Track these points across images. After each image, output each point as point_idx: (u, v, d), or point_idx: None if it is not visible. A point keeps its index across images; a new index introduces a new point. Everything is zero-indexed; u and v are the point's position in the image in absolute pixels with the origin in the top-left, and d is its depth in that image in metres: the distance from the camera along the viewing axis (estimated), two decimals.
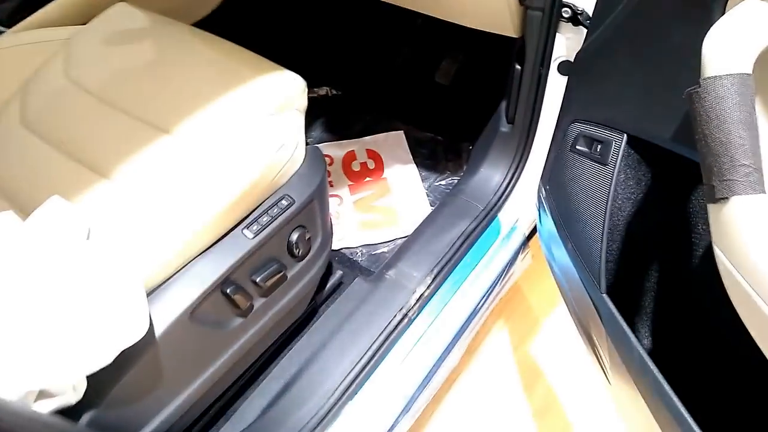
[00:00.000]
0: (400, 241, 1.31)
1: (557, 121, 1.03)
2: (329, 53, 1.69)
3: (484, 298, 1.23)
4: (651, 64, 0.76)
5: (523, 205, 1.30)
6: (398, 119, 1.58)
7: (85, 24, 1.06)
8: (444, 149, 1.51)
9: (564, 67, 1.10)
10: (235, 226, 0.83)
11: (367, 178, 1.45)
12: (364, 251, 1.30)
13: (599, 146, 0.89)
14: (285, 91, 0.94)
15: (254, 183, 0.82)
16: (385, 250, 1.30)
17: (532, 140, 1.22)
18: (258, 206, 0.86)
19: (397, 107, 1.60)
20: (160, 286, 0.75)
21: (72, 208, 0.74)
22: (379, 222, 1.35)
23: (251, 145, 0.85)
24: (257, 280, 0.84)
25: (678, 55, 0.72)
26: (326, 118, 1.62)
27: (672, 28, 0.71)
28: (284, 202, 0.88)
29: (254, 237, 0.82)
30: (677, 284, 0.87)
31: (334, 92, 1.68)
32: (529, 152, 1.23)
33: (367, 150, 1.52)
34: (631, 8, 0.75)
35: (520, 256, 1.33)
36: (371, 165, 1.48)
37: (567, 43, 1.08)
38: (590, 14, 1.02)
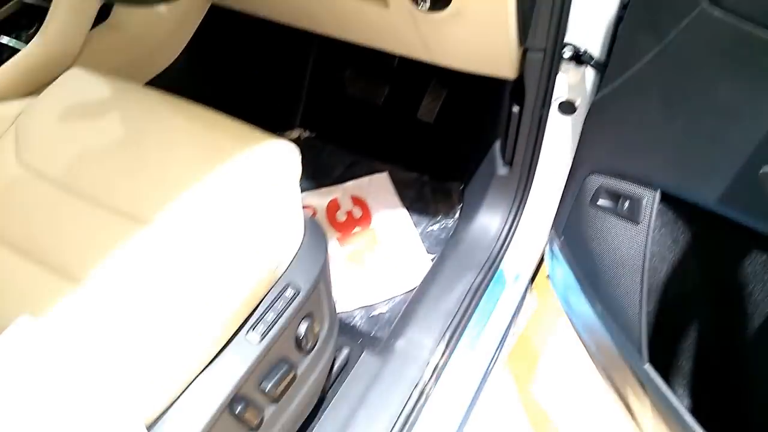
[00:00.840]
0: (399, 298, 1.22)
1: (571, 170, 0.96)
2: (298, 93, 1.59)
3: (497, 353, 1.16)
4: (689, 117, 0.70)
5: (525, 250, 1.23)
6: (380, 159, 1.49)
7: (34, 95, 0.93)
8: (432, 190, 1.43)
9: (566, 107, 1.04)
10: (238, 329, 0.72)
11: (356, 229, 1.36)
12: (362, 313, 1.20)
13: (627, 202, 0.82)
14: (278, 165, 0.83)
15: (257, 280, 0.72)
16: (385, 309, 1.21)
17: (532, 183, 1.15)
18: (260, 301, 0.75)
19: (378, 146, 1.51)
20: (159, 418, 0.64)
21: (45, 330, 0.62)
22: (375, 277, 1.26)
23: (247, 234, 0.74)
24: (267, 389, 0.73)
25: (724, 111, 0.66)
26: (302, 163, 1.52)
27: (717, 81, 0.65)
28: (289, 292, 0.78)
29: (261, 340, 0.72)
30: (721, 346, 0.82)
31: (308, 134, 1.58)
32: (528, 195, 1.17)
33: (351, 197, 1.42)
34: (666, 57, 0.69)
35: (526, 303, 1.26)
36: (358, 213, 1.39)
37: (568, 83, 1.01)
38: (593, 54, 0.96)
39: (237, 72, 1.51)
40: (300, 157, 0.87)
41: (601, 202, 0.86)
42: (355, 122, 1.56)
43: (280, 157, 0.85)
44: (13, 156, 0.84)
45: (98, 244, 0.73)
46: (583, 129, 0.88)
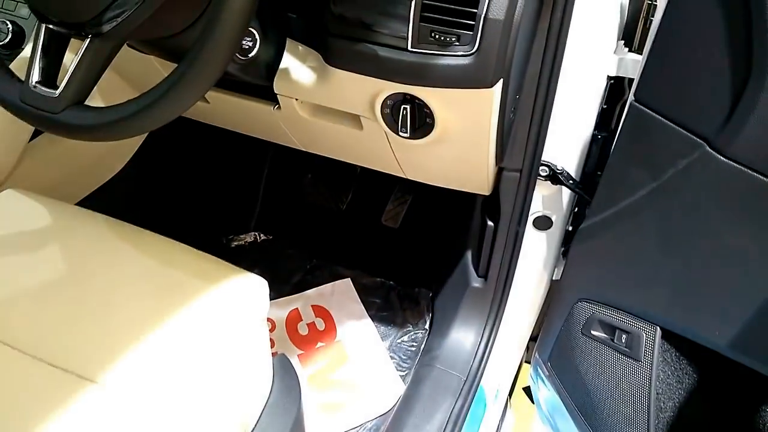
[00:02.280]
0: (370, 425, 1.12)
1: (558, 294, 0.91)
2: (254, 195, 1.52)
3: None
4: (690, 256, 0.67)
5: (502, 363, 1.17)
6: (341, 264, 1.42)
7: None
8: (399, 296, 1.36)
9: (542, 223, 1.02)
10: None
11: (319, 344, 1.26)
12: None
13: (624, 336, 0.77)
14: (245, 302, 0.75)
15: None
16: None
17: (507, 297, 1.10)
18: None
19: (340, 250, 1.44)
20: None
21: None
22: (343, 401, 1.16)
23: (212, 388, 0.64)
24: None
25: (730, 254, 0.63)
26: (258, 269, 1.42)
27: (722, 224, 0.62)
28: None
29: None
30: None
31: (264, 237, 1.50)
32: (504, 309, 1.12)
33: (312, 306, 1.33)
34: (663, 195, 0.67)
35: (506, 420, 1.18)
36: (321, 325, 1.30)
37: (544, 200, 0.99)
38: (570, 173, 0.95)
39: (187, 172, 1.42)
40: (268, 291, 0.79)
41: (594, 333, 0.81)
42: (315, 226, 1.49)
43: (247, 294, 0.76)
44: None
45: (38, 408, 0.61)
46: (570, 255, 0.84)
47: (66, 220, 0.82)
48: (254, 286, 0.76)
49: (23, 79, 0.64)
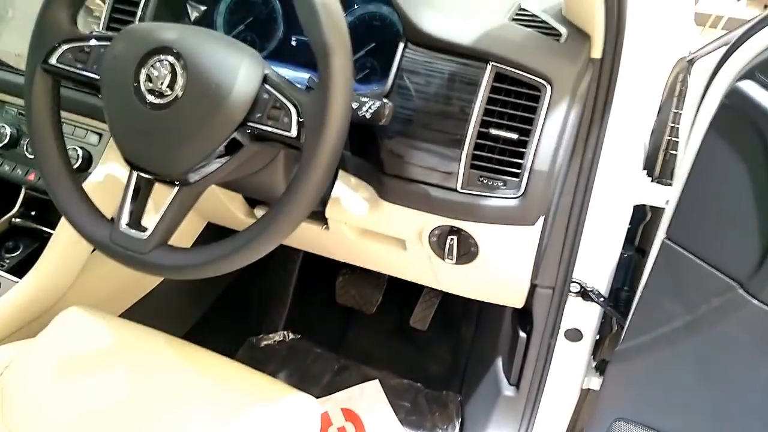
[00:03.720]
0: None
1: (596, 412, 0.94)
2: (283, 295, 1.56)
3: None
4: (730, 389, 0.71)
5: None
6: (369, 364, 1.44)
7: (22, 334, 0.86)
8: (427, 399, 1.37)
9: (573, 335, 1.05)
10: None
11: None
12: None
13: None
14: (298, 422, 0.78)
15: None
16: None
17: (539, 406, 1.12)
18: None
19: (368, 351, 1.47)
20: None
21: None
22: None
23: None
24: None
25: None
26: (287, 370, 1.45)
27: (760, 362, 0.66)
28: None
29: None
30: None
31: (292, 337, 1.53)
32: (536, 419, 1.13)
33: (342, 410, 1.34)
34: (698, 329, 0.71)
35: None
36: (351, 430, 1.30)
37: (574, 313, 1.04)
38: (602, 292, 0.99)
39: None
40: (319, 411, 0.82)
41: None
42: (344, 326, 1.53)
43: (299, 414, 0.80)
44: None
45: None
46: (607, 374, 0.88)
47: (130, 339, 0.87)
48: (306, 405, 0.80)
49: (110, 217, 0.70)
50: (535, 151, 0.71)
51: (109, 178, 0.98)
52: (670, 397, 0.78)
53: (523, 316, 1.09)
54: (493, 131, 0.71)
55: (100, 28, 0.89)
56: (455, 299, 1.48)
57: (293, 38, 0.92)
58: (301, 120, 0.62)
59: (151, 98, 0.64)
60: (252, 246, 0.63)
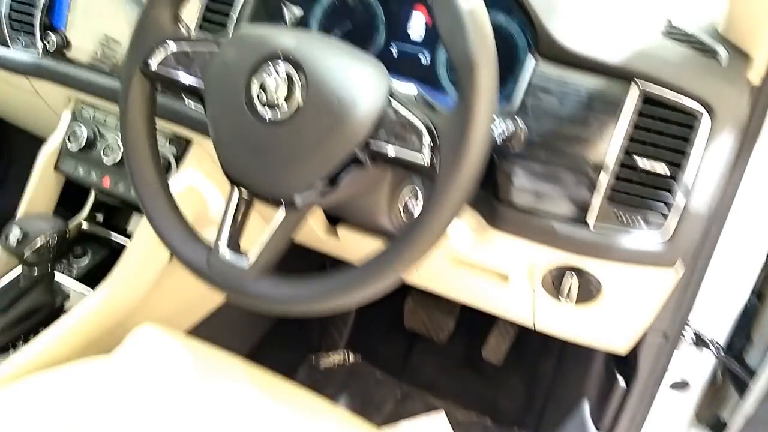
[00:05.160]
0: None
1: None
2: (345, 312, 1.49)
3: None
4: None
5: None
6: (434, 393, 1.35)
7: (95, 351, 0.81)
8: None
9: (679, 385, 0.95)
10: None
11: None
12: None
13: None
14: None
15: None
16: None
17: None
18: None
19: (433, 378, 1.38)
20: None
21: None
22: None
23: None
24: None
25: None
26: (346, 393, 1.37)
27: None
28: None
29: None
30: None
31: (353, 358, 1.45)
32: None
33: None
34: None
35: None
36: None
37: (684, 363, 0.94)
38: (717, 341, 0.89)
39: None
40: None
41: None
42: (408, 351, 1.44)
43: None
44: None
45: None
46: None
47: (197, 359, 0.80)
48: None
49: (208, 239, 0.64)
50: (688, 187, 0.62)
51: (187, 189, 0.92)
52: None
53: (622, 360, 0.99)
54: (639, 161, 0.63)
55: (193, 28, 0.84)
56: (534, 331, 1.39)
57: (394, 47, 0.85)
58: (434, 143, 0.54)
59: (264, 111, 0.57)
60: (373, 280, 0.56)
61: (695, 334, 0.88)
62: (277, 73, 0.56)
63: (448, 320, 1.40)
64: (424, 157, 0.54)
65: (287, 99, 0.56)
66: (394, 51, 0.85)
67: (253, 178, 0.60)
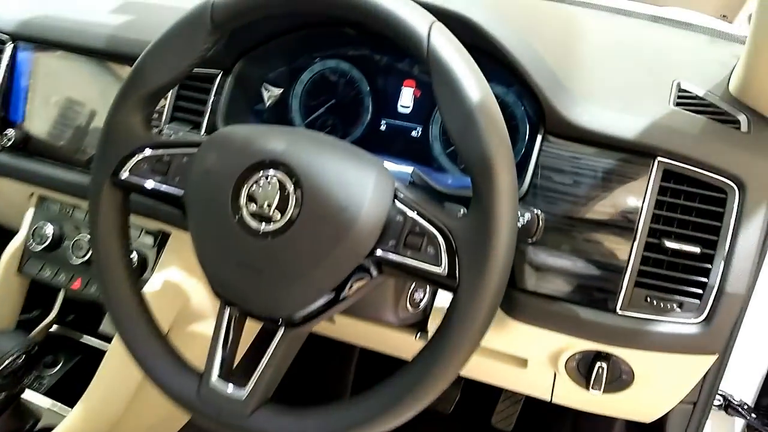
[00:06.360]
0: None
1: None
2: (348, 364, 1.40)
3: None
4: None
5: None
6: None
7: None
8: None
9: None
10: None
11: None
12: None
13: None
14: None
15: None
16: None
17: None
18: None
19: None
20: None
21: None
22: None
23: None
24: None
25: None
26: None
27: None
28: None
29: None
30: None
31: None
32: None
33: None
34: None
35: None
36: None
37: (713, 428, 0.88)
38: (746, 403, 0.84)
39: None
40: None
41: None
42: (414, 424, 1.35)
43: None
44: None
45: None
46: None
47: None
48: None
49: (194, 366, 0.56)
50: (725, 267, 0.56)
51: (167, 287, 0.85)
52: None
53: (645, 428, 0.92)
54: (667, 242, 0.57)
55: (162, 121, 0.77)
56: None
57: (383, 123, 0.80)
58: (451, 251, 0.48)
59: (254, 224, 0.51)
60: (394, 413, 0.49)
61: (723, 397, 0.82)
62: (267, 180, 0.50)
63: (453, 390, 1.32)
64: (441, 269, 0.48)
65: (280, 209, 0.50)
66: (383, 127, 0.80)
67: (247, 295, 0.53)
